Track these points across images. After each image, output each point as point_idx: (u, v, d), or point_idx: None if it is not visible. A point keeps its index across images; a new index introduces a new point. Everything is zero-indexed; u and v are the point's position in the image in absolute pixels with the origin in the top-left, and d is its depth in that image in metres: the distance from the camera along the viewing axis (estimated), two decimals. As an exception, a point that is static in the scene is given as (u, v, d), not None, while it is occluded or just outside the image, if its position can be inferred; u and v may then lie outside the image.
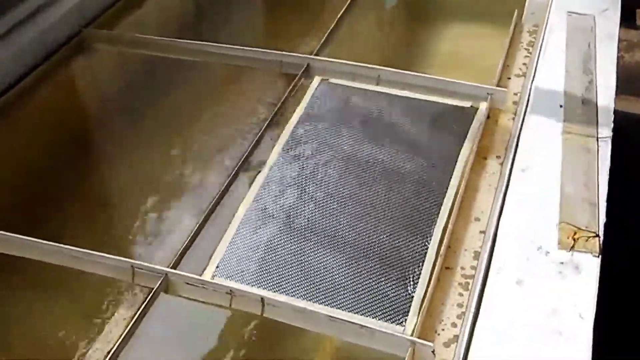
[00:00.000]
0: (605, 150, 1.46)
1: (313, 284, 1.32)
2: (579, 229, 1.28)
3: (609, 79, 1.67)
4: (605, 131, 1.51)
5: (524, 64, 1.91)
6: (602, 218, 1.31)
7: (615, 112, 1.61)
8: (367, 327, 1.23)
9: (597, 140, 1.49)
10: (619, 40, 3.66)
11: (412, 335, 1.23)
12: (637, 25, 3.84)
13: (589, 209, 1.33)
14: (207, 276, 1.34)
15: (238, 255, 1.39)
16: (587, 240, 1.26)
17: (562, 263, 1.23)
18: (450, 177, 1.54)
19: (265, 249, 1.39)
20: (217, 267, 1.36)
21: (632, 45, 3.71)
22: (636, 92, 3.29)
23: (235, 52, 2.01)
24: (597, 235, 1.27)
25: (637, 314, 2.08)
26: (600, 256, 1.25)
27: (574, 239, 1.26)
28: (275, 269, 1.36)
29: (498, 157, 1.62)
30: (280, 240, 1.42)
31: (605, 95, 1.62)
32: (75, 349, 1.27)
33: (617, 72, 1.71)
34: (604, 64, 1.72)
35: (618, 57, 3.59)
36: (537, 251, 1.26)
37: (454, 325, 1.27)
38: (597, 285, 1.20)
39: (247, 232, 1.44)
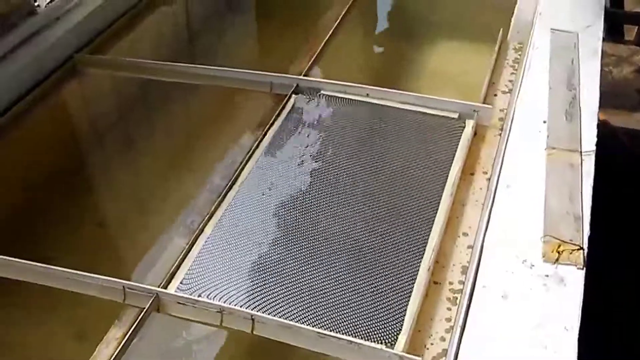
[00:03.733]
0: (589, 165, 1.48)
1: (300, 304, 1.33)
2: (563, 242, 1.30)
3: (593, 94, 1.70)
4: (589, 145, 1.53)
5: (510, 80, 1.94)
6: (586, 231, 1.33)
7: (604, 125, 1.63)
8: (355, 342, 1.24)
9: (581, 155, 1.51)
10: (608, 55, 3.70)
11: (402, 350, 1.24)
12: (625, 40, 3.89)
13: (573, 222, 1.35)
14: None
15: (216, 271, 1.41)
16: (571, 253, 1.28)
17: (546, 276, 1.25)
18: (437, 194, 1.56)
19: (250, 268, 1.41)
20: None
21: (620, 60, 3.75)
22: (624, 107, 3.32)
23: (226, 74, 2.04)
24: (581, 248, 1.29)
25: (621, 325, 2.09)
26: (584, 268, 1.26)
27: (559, 252, 1.28)
28: (262, 289, 1.37)
29: (485, 172, 1.64)
30: (267, 259, 1.43)
31: (589, 110, 1.64)
32: (66, 370, 1.28)
33: (601, 88, 1.73)
34: (587, 79, 1.75)
35: (606, 72, 3.63)
36: (522, 264, 1.27)
37: (443, 339, 1.28)
38: (582, 297, 1.21)
39: (220, 249, 1.46)
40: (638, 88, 3.58)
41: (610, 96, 3.24)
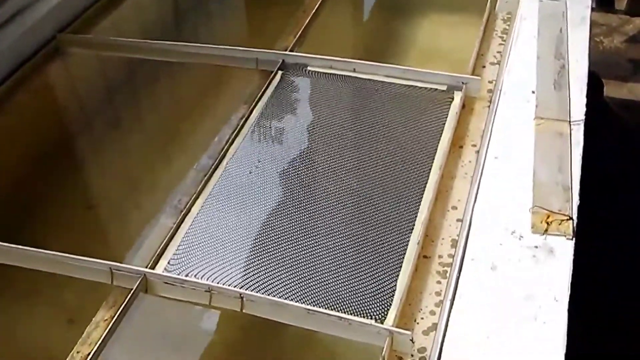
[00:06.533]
0: (578, 134, 1.47)
1: (289, 281, 1.32)
2: (552, 212, 1.29)
3: (582, 62, 1.68)
4: (578, 115, 1.52)
5: (498, 52, 1.92)
6: (576, 201, 1.32)
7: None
8: (345, 318, 1.23)
9: (570, 124, 1.49)
10: (598, 25, 3.68)
11: (392, 325, 1.24)
12: (616, 10, 3.86)
13: (562, 192, 1.34)
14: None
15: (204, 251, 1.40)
16: (560, 224, 1.27)
17: (536, 247, 1.24)
18: (426, 167, 1.55)
19: (238, 246, 1.40)
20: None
21: (611, 30, 3.73)
22: (615, 76, 3.31)
23: (211, 51, 2.01)
24: (571, 218, 1.28)
25: (611, 296, 2.09)
26: (573, 239, 1.25)
27: (547, 223, 1.27)
28: (250, 267, 1.36)
29: (474, 145, 1.63)
30: (254, 237, 1.42)
31: (578, 79, 1.62)
32: (54, 352, 1.27)
33: (590, 56, 1.72)
34: (576, 48, 1.73)
35: (597, 42, 3.60)
36: (511, 236, 1.26)
37: (433, 313, 1.28)
38: (571, 267, 1.21)
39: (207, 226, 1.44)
40: (630, 57, 3.56)
41: (601, 66, 3.22)
